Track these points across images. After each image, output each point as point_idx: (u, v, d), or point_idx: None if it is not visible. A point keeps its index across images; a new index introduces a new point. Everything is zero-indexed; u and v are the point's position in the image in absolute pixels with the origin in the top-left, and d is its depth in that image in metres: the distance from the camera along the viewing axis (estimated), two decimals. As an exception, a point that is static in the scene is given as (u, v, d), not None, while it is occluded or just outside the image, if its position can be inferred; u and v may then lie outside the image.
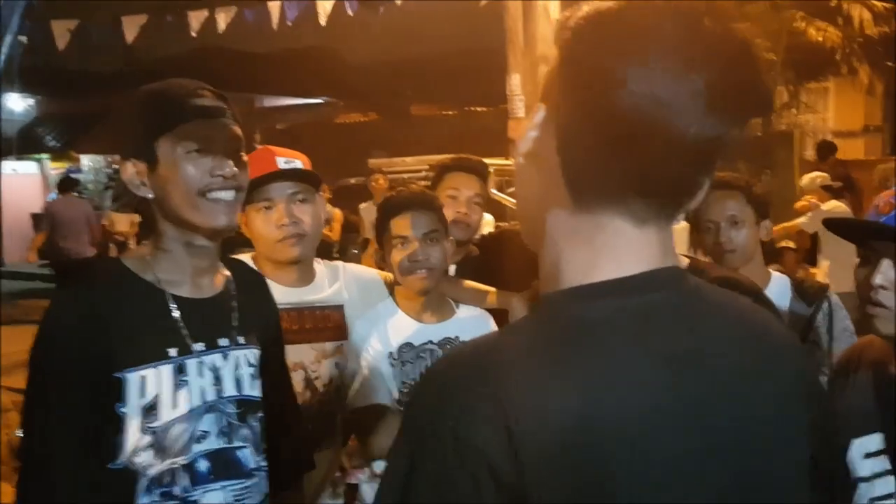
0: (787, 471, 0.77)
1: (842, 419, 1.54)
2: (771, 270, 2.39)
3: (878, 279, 1.44)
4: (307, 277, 2.12)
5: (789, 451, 0.78)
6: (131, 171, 1.38)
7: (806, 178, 6.47)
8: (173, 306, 1.38)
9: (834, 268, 5.28)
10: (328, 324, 2.10)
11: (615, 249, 0.76)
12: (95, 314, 1.30)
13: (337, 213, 8.75)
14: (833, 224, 1.67)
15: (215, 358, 1.41)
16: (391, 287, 2.21)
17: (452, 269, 2.49)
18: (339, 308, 2.13)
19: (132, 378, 1.32)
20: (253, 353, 1.48)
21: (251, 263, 2.07)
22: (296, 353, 2.00)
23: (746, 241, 2.27)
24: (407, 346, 2.12)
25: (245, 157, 1.44)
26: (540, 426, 0.67)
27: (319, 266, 2.17)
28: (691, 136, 0.72)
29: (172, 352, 1.36)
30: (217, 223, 1.39)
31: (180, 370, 1.37)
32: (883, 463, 1.45)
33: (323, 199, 2.16)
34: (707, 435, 0.72)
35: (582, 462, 0.68)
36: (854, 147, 11.95)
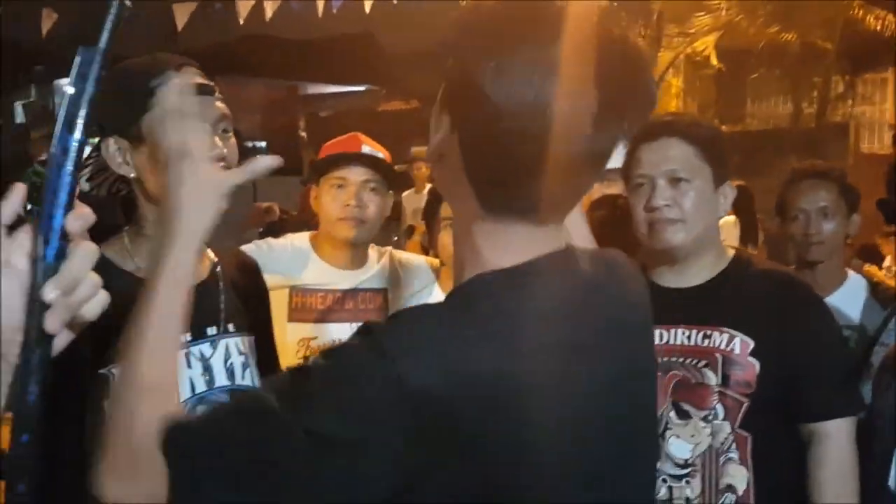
0: (648, 395, 0.95)
1: (888, 421, 1.49)
2: (848, 270, 2.31)
3: None
4: (359, 261, 2.17)
5: (648, 381, 0.96)
6: (113, 147, 1.32)
7: None
8: None
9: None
10: (370, 305, 2.15)
11: (520, 244, 0.83)
12: None
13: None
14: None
15: (203, 347, 1.36)
16: (437, 273, 2.23)
17: None
18: (383, 291, 2.18)
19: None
20: (244, 341, 1.42)
21: (306, 243, 2.12)
22: (336, 332, 2.09)
23: (835, 234, 2.20)
24: None
25: (233, 138, 1.38)
26: (468, 375, 0.75)
27: (372, 252, 2.22)
28: (584, 152, 0.78)
29: None
30: None
31: None
32: None
33: (392, 196, 2.21)
34: (593, 375, 0.84)
35: (499, 403, 0.76)
36: (912, 140, 11.57)
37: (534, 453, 0.78)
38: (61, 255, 0.67)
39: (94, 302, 0.70)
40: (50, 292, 0.66)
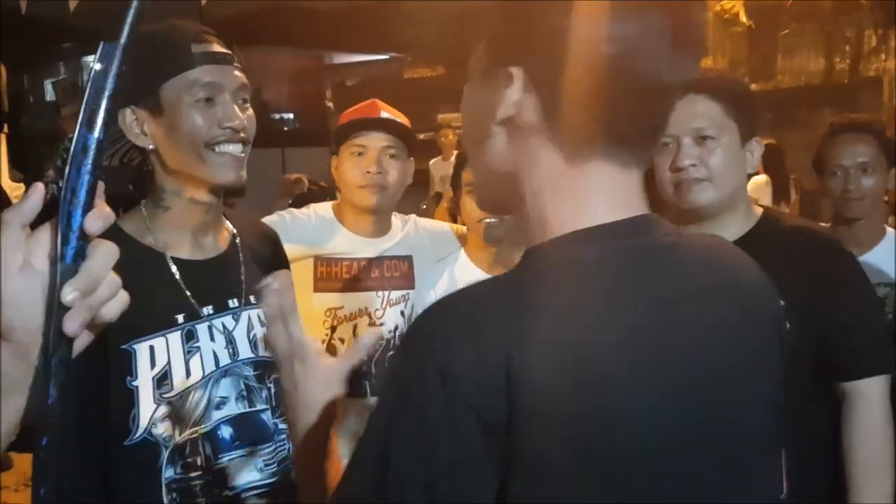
0: (754, 401, 0.81)
1: None
2: (887, 227, 2.27)
3: None
4: (382, 229, 2.16)
5: (756, 383, 0.82)
6: (130, 118, 1.29)
7: None
8: (174, 270, 1.31)
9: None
10: (395, 272, 2.15)
11: (604, 195, 0.80)
12: None
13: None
14: None
15: (225, 320, 1.35)
16: (463, 240, 2.23)
17: None
18: (408, 258, 2.17)
19: (140, 349, 1.26)
20: None
21: (329, 212, 2.13)
22: (361, 301, 2.10)
23: (875, 189, 2.15)
24: None
25: (250, 110, 1.36)
26: (541, 355, 0.68)
27: (395, 219, 2.22)
28: (664, 78, 0.78)
29: (180, 318, 1.30)
30: (224, 178, 1.30)
31: (190, 336, 1.31)
32: None
33: (412, 163, 2.18)
34: (678, 368, 0.75)
35: (577, 388, 0.69)
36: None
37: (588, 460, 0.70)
38: (80, 256, 0.64)
39: (115, 302, 0.68)
40: (68, 294, 0.63)
